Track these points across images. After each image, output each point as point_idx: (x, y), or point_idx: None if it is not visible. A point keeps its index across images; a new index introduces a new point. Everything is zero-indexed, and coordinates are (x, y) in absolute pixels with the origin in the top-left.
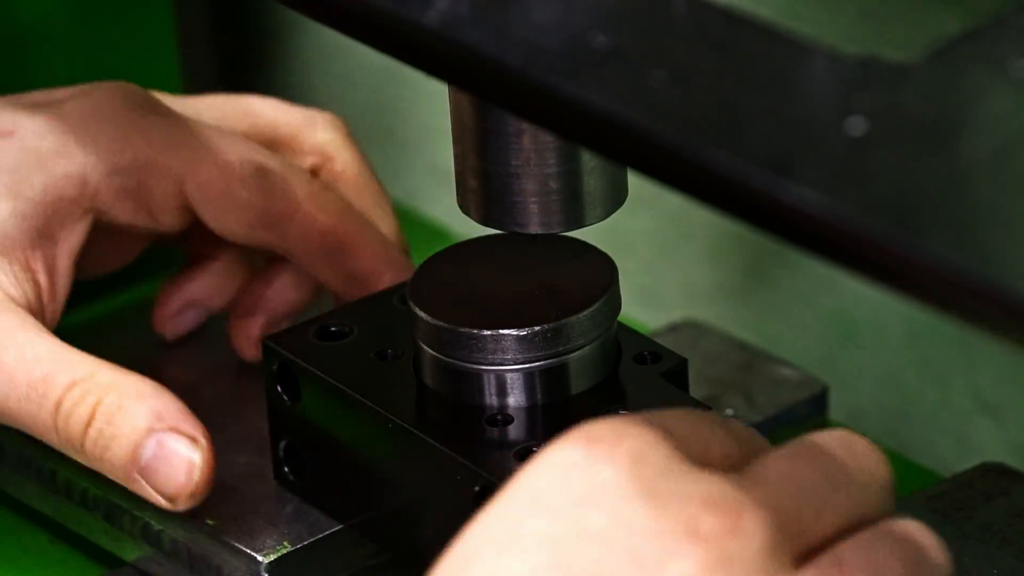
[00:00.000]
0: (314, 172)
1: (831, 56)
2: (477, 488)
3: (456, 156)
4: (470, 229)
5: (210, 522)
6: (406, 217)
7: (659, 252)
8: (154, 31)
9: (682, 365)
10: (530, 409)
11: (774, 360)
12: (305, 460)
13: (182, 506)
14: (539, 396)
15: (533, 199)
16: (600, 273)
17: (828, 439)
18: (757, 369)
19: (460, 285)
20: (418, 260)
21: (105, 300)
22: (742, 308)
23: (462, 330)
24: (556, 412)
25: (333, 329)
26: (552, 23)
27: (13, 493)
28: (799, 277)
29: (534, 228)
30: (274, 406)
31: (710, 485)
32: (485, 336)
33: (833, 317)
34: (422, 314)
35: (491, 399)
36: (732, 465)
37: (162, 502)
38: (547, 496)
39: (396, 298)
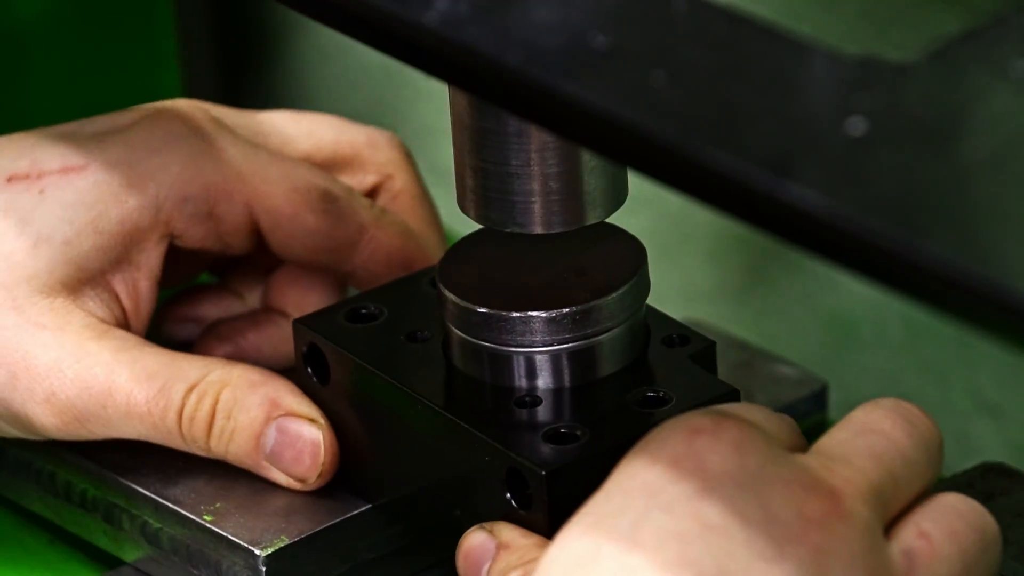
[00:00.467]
0: (374, 190)
1: (831, 56)
2: (507, 469)
3: (456, 156)
4: (471, 229)
5: (208, 518)
6: None
7: (659, 252)
8: (154, 31)
9: (710, 348)
10: (559, 391)
11: (774, 358)
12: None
13: (314, 485)
14: (568, 378)
15: (533, 199)
16: (629, 256)
17: (884, 412)
18: (757, 368)
19: (489, 267)
20: None
21: None
22: (742, 308)
23: (492, 312)
24: (585, 394)
25: (363, 311)
26: (552, 23)
27: (13, 497)
28: (799, 277)
29: (534, 228)
30: (303, 388)
31: (805, 468)
32: (515, 318)
33: (833, 317)
34: (452, 296)
35: (520, 381)
36: (796, 448)
37: (295, 484)
38: (662, 491)
39: (425, 281)
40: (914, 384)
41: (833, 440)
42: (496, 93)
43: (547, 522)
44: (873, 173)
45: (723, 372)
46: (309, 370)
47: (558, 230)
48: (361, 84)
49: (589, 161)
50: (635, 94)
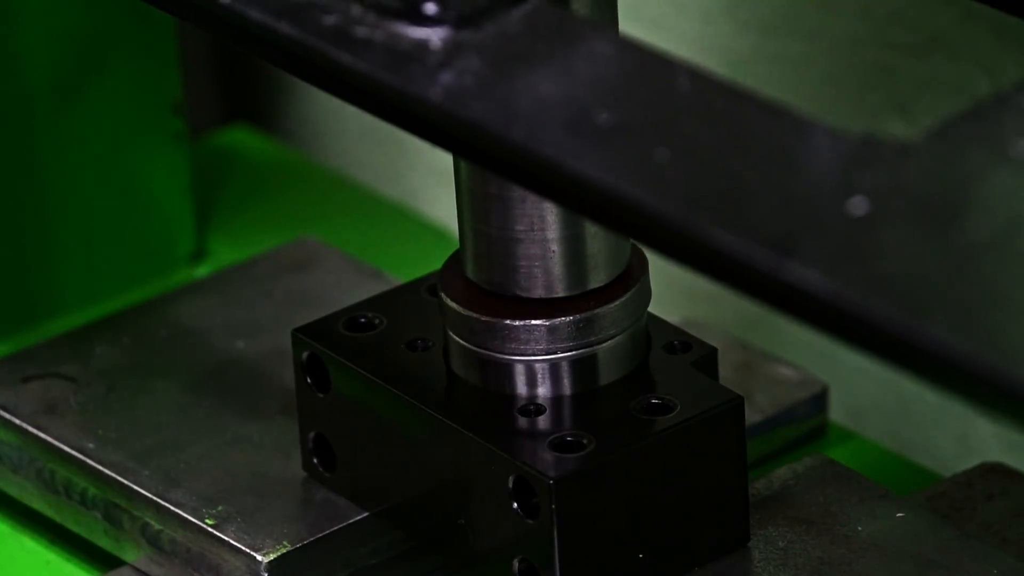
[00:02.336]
0: None
1: (833, 134)
2: (514, 478)
3: (459, 219)
4: None
5: (209, 521)
6: (406, 217)
7: None
8: (157, 34)
9: (712, 354)
10: (561, 399)
11: (774, 360)
12: (335, 451)
13: None
14: (570, 386)
15: (536, 264)
16: (631, 262)
17: None
18: (757, 369)
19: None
20: (419, 261)
21: (105, 300)
22: (743, 308)
23: (493, 320)
24: (587, 402)
25: (362, 320)
26: (556, 99)
27: (12, 493)
28: None
29: (537, 292)
30: (303, 398)
31: None
32: (516, 326)
33: None
34: (453, 304)
35: (522, 389)
36: None
37: None
38: None
39: (424, 289)
40: (914, 384)
41: None
42: (501, 167)
43: (554, 532)
44: (875, 253)
45: (723, 373)
46: (308, 379)
47: (561, 295)
48: None
49: (591, 226)
50: (639, 171)
